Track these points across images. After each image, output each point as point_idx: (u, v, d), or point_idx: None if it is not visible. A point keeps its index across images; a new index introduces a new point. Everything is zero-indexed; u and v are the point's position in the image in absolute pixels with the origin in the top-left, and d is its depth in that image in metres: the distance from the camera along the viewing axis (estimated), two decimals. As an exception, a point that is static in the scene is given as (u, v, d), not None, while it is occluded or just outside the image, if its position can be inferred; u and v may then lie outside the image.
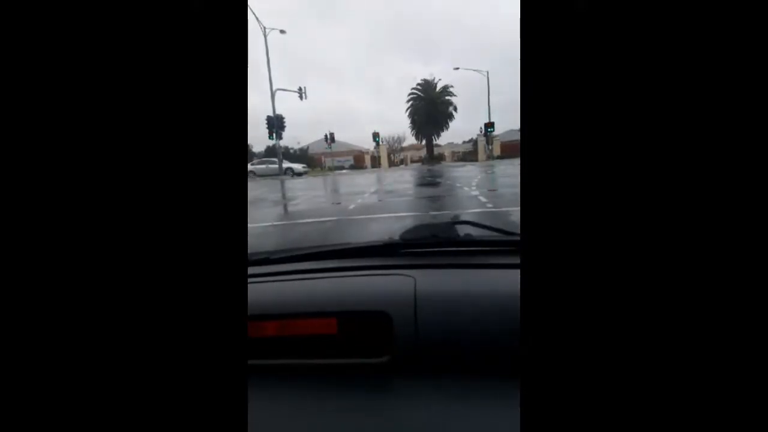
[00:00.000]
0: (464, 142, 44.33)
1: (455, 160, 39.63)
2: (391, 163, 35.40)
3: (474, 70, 25.85)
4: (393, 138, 47.52)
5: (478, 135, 28.09)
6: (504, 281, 0.58)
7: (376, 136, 26.96)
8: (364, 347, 0.56)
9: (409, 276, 0.63)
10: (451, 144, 48.93)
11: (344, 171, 26.03)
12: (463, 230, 0.81)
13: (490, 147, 26.10)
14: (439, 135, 36.04)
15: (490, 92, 26.39)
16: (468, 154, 34.04)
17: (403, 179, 13.86)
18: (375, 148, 29.52)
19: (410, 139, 40.99)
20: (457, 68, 25.90)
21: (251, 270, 0.74)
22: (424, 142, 36.60)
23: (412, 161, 40.49)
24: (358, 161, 32.73)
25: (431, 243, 0.77)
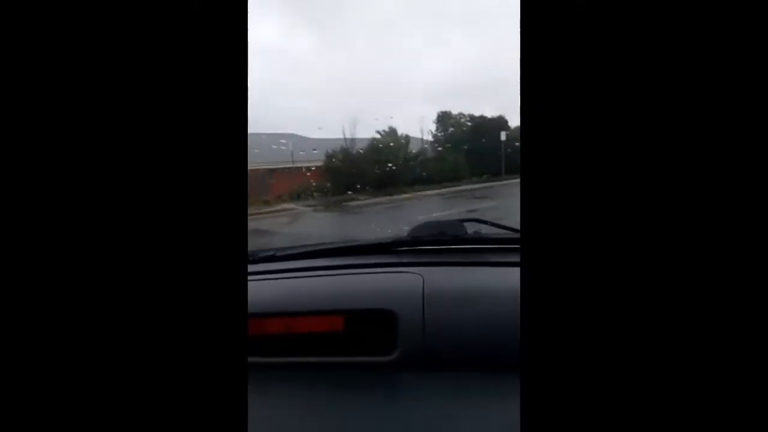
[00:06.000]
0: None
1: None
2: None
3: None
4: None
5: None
6: (513, 279, 0.54)
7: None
8: (370, 345, 0.58)
9: (417, 274, 0.63)
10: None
11: None
12: (471, 228, 0.81)
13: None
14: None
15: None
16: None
17: None
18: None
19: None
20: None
21: (258, 267, 0.75)
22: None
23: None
24: None
25: (440, 241, 0.79)
